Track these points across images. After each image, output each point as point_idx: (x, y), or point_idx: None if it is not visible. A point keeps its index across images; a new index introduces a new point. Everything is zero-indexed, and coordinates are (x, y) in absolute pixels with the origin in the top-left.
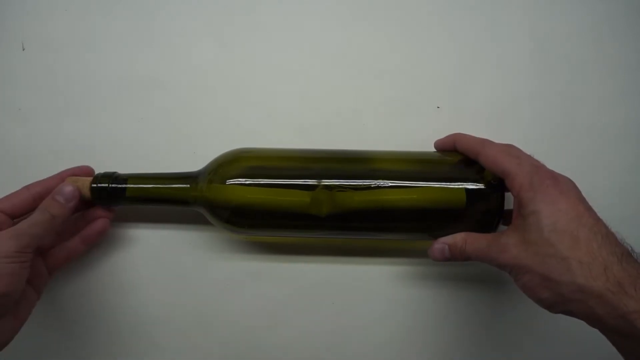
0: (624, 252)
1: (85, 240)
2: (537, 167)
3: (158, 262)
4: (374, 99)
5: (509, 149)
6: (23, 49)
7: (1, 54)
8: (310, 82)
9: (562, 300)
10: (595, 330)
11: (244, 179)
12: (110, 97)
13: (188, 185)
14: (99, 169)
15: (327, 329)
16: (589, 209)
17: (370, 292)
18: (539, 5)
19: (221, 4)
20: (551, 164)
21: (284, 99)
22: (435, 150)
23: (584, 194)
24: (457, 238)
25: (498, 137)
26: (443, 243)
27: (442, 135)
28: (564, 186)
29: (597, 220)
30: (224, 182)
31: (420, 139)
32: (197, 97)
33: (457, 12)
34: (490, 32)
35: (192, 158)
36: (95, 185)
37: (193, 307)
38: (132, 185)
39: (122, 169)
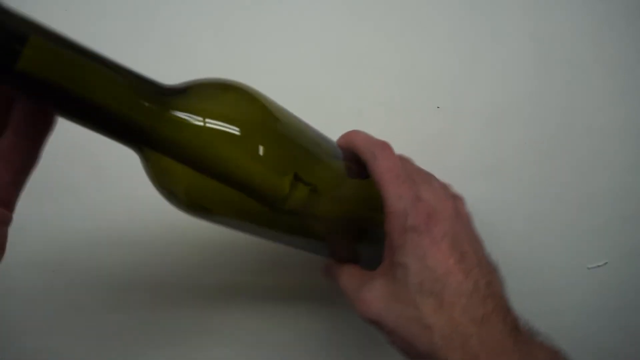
0: (484, 315)
1: (16, 131)
2: (415, 203)
3: (157, 262)
4: (374, 98)
5: (399, 169)
6: None
7: None
8: (310, 82)
9: None
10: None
11: (220, 125)
12: None
13: (146, 104)
14: (98, 169)
15: (327, 329)
16: (460, 259)
17: None
18: (539, 5)
19: (221, 4)
20: (551, 164)
21: (284, 99)
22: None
23: (584, 194)
24: (334, 266)
25: (498, 137)
26: (326, 267)
27: (442, 134)
28: (439, 230)
29: (468, 273)
30: (192, 120)
31: (420, 139)
32: None
33: (457, 12)
34: (491, 32)
35: None
36: None
37: (193, 307)
38: (34, 51)
39: (122, 169)
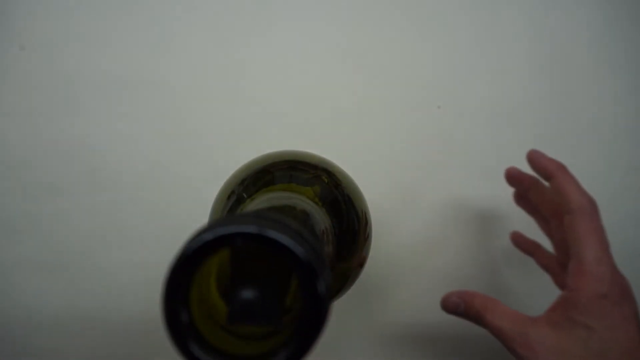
0: None
1: None
2: (614, 273)
3: (157, 262)
4: (374, 98)
5: (604, 234)
6: (21, 49)
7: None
8: (310, 82)
9: None
10: None
11: None
12: (110, 97)
13: None
14: (98, 169)
15: (328, 329)
16: None
17: (369, 293)
18: (540, 4)
19: (222, 5)
20: None
21: (284, 99)
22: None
23: None
24: (477, 300)
25: (499, 136)
26: (460, 298)
27: (442, 135)
28: (630, 307)
29: None
30: None
31: (420, 139)
32: (196, 96)
33: (457, 11)
34: (491, 31)
35: (192, 158)
36: None
37: None
38: None
39: (122, 169)
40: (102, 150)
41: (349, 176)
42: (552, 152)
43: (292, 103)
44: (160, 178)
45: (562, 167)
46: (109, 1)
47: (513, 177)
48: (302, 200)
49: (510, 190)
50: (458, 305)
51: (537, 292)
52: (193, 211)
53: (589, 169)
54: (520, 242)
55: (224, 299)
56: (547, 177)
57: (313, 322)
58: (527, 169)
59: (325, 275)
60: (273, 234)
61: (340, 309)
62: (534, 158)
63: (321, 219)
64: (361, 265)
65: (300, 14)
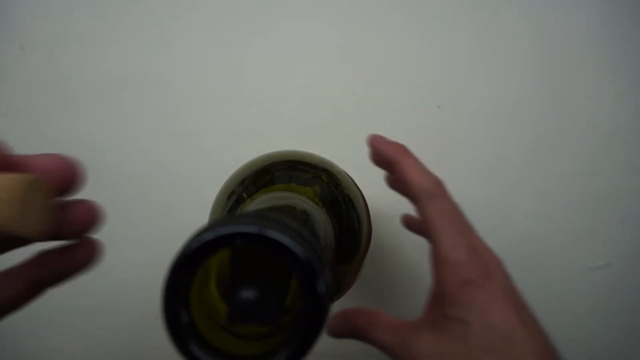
0: None
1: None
2: (472, 254)
3: (158, 262)
4: (374, 98)
5: (455, 215)
6: (21, 49)
7: None
8: (310, 82)
9: None
10: None
11: None
12: (110, 97)
13: None
14: (99, 169)
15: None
16: (518, 315)
17: (369, 293)
18: (540, 4)
19: (222, 5)
20: (552, 164)
21: (284, 99)
22: None
23: (586, 194)
24: (360, 318)
25: (499, 136)
26: (343, 319)
27: (442, 135)
28: (497, 284)
29: (529, 330)
30: None
31: (420, 139)
32: (196, 97)
33: (457, 11)
34: (491, 31)
35: (193, 157)
36: None
37: None
38: None
39: (122, 169)
40: (102, 150)
41: (349, 176)
42: (552, 152)
43: (292, 103)
44: (160, 178)
45: (401, 151)
46: (109, 1)
47: (381, 158)
48: (302, 200)
49: (511, 192)
50: (344, 329)
51: (539, 291)
52: (193, 211)
53: (589, 169)
54: (411, 223)
55: (224, 299)
56: (391, 165)
57: (313, 322)
58: (531, 166)
59: (325, 275)
60: (273, 234)
61: (340, 309)
62: (374, 146)
63: (321, 219)
64: (361, 265)
65: (300, 14)
